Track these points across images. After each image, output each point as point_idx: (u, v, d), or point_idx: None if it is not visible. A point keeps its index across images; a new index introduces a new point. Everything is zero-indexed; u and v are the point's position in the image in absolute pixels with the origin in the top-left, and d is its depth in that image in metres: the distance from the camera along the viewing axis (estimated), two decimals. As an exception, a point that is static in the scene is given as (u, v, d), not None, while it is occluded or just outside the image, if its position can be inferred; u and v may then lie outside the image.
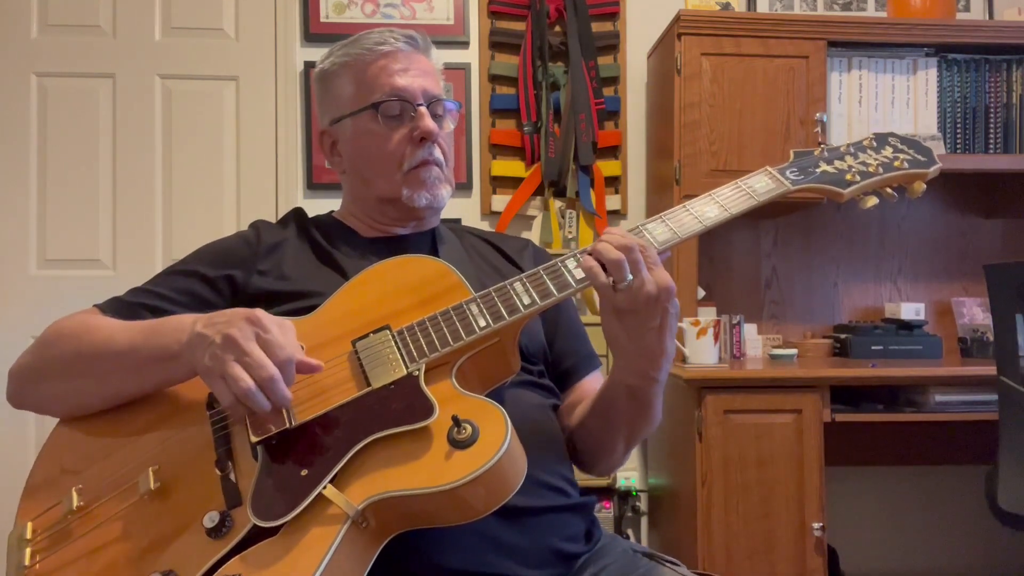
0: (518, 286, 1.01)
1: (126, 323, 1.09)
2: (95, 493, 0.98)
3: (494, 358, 1.02)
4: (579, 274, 1.01)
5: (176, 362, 1.00)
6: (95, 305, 1.17)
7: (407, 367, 0.97)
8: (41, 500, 1.00)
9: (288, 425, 0.94)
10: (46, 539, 0.97)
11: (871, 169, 1.10)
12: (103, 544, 0.95)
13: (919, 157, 1.12)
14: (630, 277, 0.95)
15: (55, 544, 0.97)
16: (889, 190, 1.12)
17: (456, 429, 0.88)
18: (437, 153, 1.24)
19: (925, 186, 1.11)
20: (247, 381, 0.90)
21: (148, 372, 1.03)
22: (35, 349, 1.12)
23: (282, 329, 0.95)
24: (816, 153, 1.12)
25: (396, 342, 0.99)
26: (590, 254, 0.98)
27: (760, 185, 1.08)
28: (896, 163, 1.11)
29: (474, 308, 1.00)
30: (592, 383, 1.28)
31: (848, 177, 1.09)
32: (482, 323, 0.99)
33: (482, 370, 1.01)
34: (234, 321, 0.94)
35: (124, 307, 1.15)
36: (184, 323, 1.00)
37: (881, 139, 1.14)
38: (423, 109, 1.23)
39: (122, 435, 1.03)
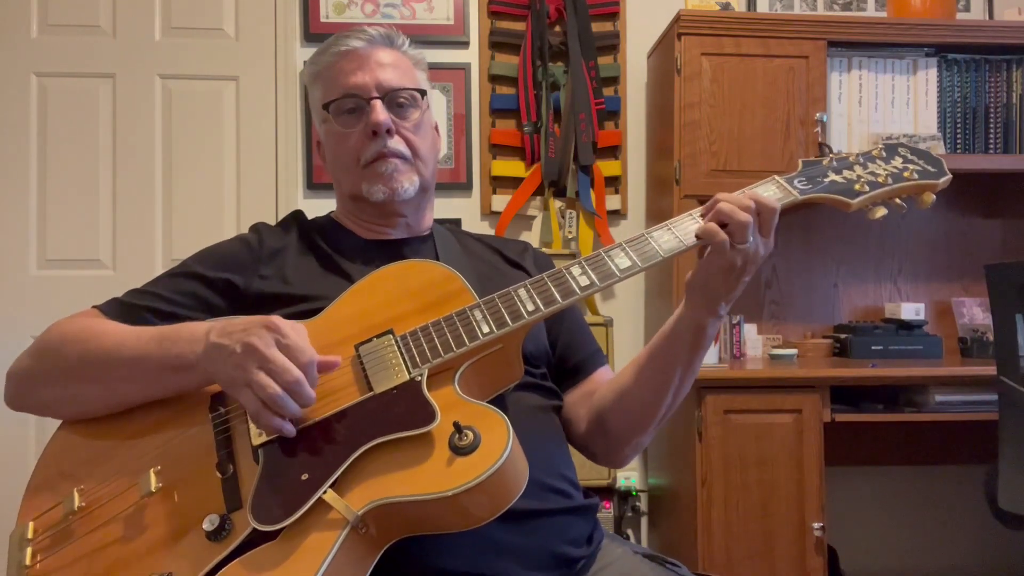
0: (522, 292, 1.02)
1: (134, 329, 1.08)
2: (96, 494, 0.99)
3: (497, 364, 1.02)
4: (584, 281, 1.01)
5: (192, 372, 1.00)
6: (95, 306, 1.16)
7: (410, 372, 0.97)
8: (43, 500, 1.01)
9: (290, 429, 0.95)
10: (47, 539, 0.98)
11: (880, 180, 1.08)
12: (103, 545, 0.95)
13: (929, 168, 1.10)
14: (751, 239, 1.00)
15: (56, 544, 0.97)
16: (898, 201, 1.10)
17: (458, 435, 0.88)
18: (394, 144, 1.22)
19: (935, 197, 1.10)
20: (274, 387, 0.91)
21: (161, 380, 1.03)
22: (36, 352, 1.11)
23: (297, 332, 0.96)
24: (824, 163, 1.11)
25: (399, 347, 1.00)
26: (705, 215, 1.02)
27: (768, 194, 1.06)
28: (906, 174, 1.09)
29: (478, 314, 1.00)
30: (603, 375, 1.28)
31: (857, 187, 1.08)
32: (485, 329, 0.99)
33: (485, 376, 1.01)
34: (252, 329, 0.95)
35: (126, 309, 1.15)
36: (197, 332, 1.01)
37: (891, 149, 1.13)
38: (375, 102, 1.22)
39: (124, 437, 1.04)
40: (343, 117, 1.24)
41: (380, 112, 1.21)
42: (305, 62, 1.34)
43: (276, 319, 0.96)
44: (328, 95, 1.26)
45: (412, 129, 1.25)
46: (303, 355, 0.94)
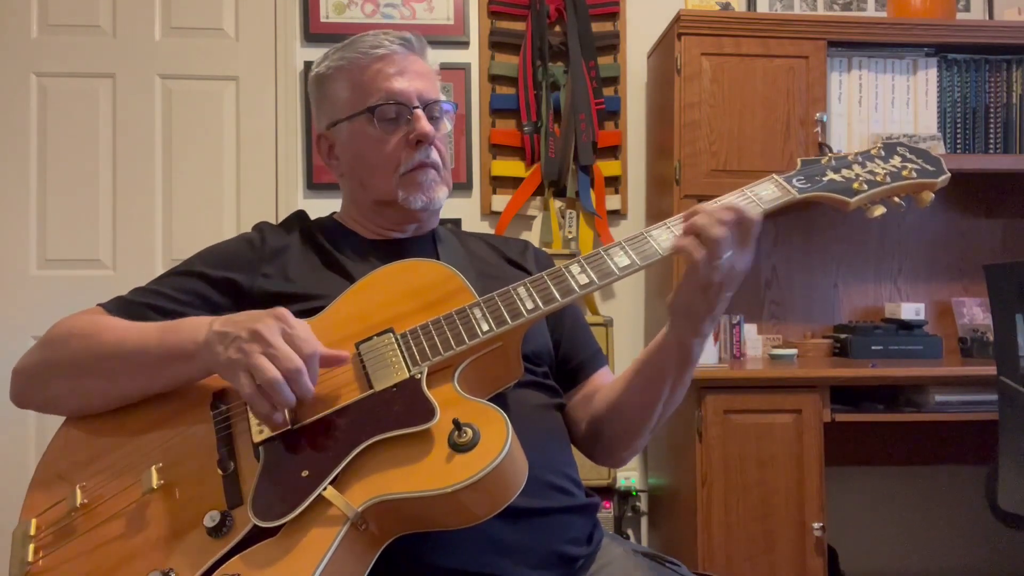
0: (521, 291, 1.02)
1: (137, 323, 1.09)
2: (98, 491, 0.99)
3: (497, 363, 1.02)
4: (583, 279, 1.01)
5: (192, 361, 1.01)
6: (99, 304, 1.17)
7: (409, 370, 0.97)
8: (45, 497, 1.01)
9: (290, 426, 0.95)
10: (50, 536, 0.98)
11: (879, 178, 1.08)
12: (105, 541, 0.95)
13: (927, 167, 1.10)
14: (729, 253, 0.98)
15: (58, 541, 0.97)
16: (897, 199, 1.10)
17: (457, 433, 0.89)
18: (434, 155, 1.24)
19: (933, 196, 1.09)
20: (273, 371, 0.91)
21: (161, 371, 1.03)
22: (42, 348, 1.12)
23: (303, 326, 0.97)
24: (823, 161, 1.10)
25: (399, 345, 1.00)
26: (685, 229, 0.99)
27: (766, 193, 1.06)
28: (904, 172, 1.09)
29: (477, 312, 1.01)
30: (603, 377, 1.28)
31: (855, 186, 1.07)
32: (485, 327, 0.99)
33: (485, 374, 1.01)
34: (260, 318, 0.96)
35: (130, 307, 1.16)
36: (200, 323, 1.02)
37: (889, 148, 1.12)
38: (419, 112, 1.23)
39: (126, 434, 1.04)
40: (384, 122, 1.23)
41: (427, 123, 1.23)
42: (324, 55, 1.31)
43: (283, 310, 0.98)
44: (367, 96, 1.24)
45: (443, 140, 1.27)
46: (307, 346, 0.94)
